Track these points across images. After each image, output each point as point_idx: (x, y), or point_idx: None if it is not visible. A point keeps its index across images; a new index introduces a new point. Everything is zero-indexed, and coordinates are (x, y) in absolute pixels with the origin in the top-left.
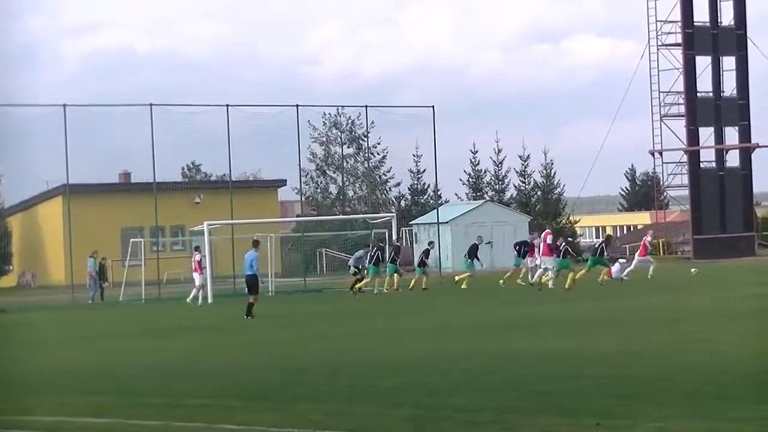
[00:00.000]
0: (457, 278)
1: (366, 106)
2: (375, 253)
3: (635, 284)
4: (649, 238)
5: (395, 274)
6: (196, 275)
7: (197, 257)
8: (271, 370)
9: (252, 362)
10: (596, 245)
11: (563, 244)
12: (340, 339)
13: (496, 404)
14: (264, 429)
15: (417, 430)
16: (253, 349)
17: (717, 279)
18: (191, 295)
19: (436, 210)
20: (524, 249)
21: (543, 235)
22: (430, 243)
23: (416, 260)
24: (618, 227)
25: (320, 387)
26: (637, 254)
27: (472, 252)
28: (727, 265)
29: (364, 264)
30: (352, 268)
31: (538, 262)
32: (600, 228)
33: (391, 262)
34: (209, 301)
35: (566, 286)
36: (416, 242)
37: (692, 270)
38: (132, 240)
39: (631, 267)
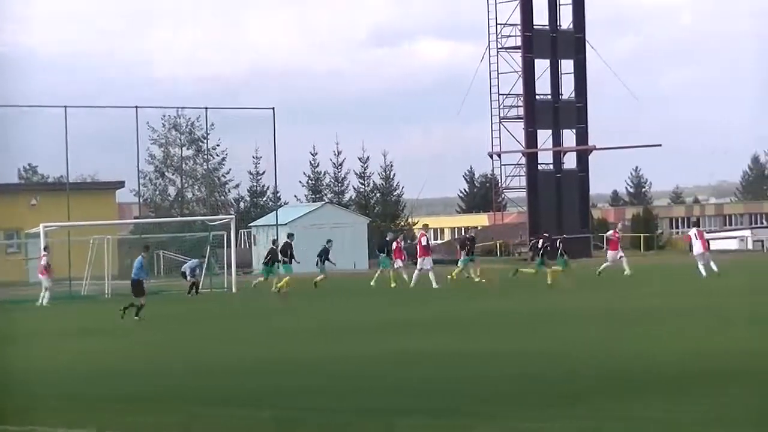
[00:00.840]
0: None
1: (206, 108)
2: (287, 251)
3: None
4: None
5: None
6: (42, 278)
7: (44, 260)
8: (127, 374)
9: (103, 367)
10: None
11: (560, 243)
12: (195, 341)
13: (356, 406)
14: None
15: None
16: (100, 354)
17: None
18: (43, 298)
19: (275, 212)
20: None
21: (419, 236)
22: (328, 242)
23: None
24: (456, 229)
25: (181, 390)
26: (609, 250)
27: (324, 254)
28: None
29: (198, 272)
30: (188, 276)
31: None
32: (439, 230)
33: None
34: (45, 303)
35: (548, 282)
36: (255, 244)
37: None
38: None
39: (608, 263)
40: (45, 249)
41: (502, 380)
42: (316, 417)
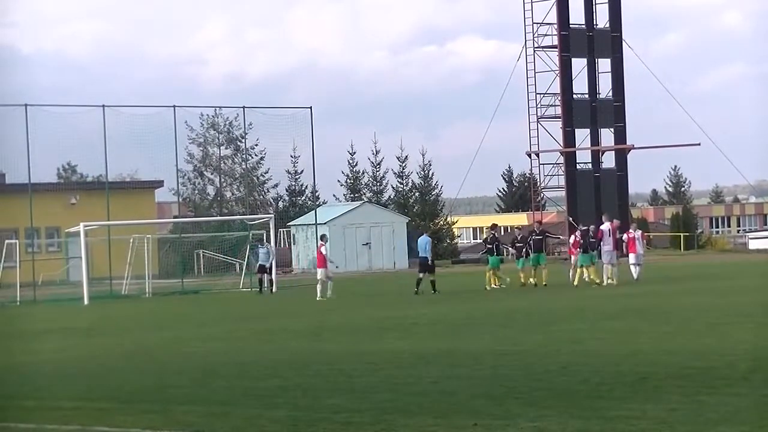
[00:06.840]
0: None
1: (243, 107)
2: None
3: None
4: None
5: None
6: (320, 269)
7: (322, 249)
8: (147, 372)
9: (127, 364)
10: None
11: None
12: (216, 340)
13: (373, 405)
14: (139, 431)
15: None
16: (128, 351)
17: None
18: (319, 292)
19: (314, 211)
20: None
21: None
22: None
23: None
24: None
25: (196, 389)
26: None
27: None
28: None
29: (268, 257)
30: (263, 262)
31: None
32: (477, 229)
33: None
34: (85, 302)
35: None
36: (294, 243)
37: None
38: (6, 242)
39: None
40: (323, 238)
41: (507, 379)
42: (333, 416)
